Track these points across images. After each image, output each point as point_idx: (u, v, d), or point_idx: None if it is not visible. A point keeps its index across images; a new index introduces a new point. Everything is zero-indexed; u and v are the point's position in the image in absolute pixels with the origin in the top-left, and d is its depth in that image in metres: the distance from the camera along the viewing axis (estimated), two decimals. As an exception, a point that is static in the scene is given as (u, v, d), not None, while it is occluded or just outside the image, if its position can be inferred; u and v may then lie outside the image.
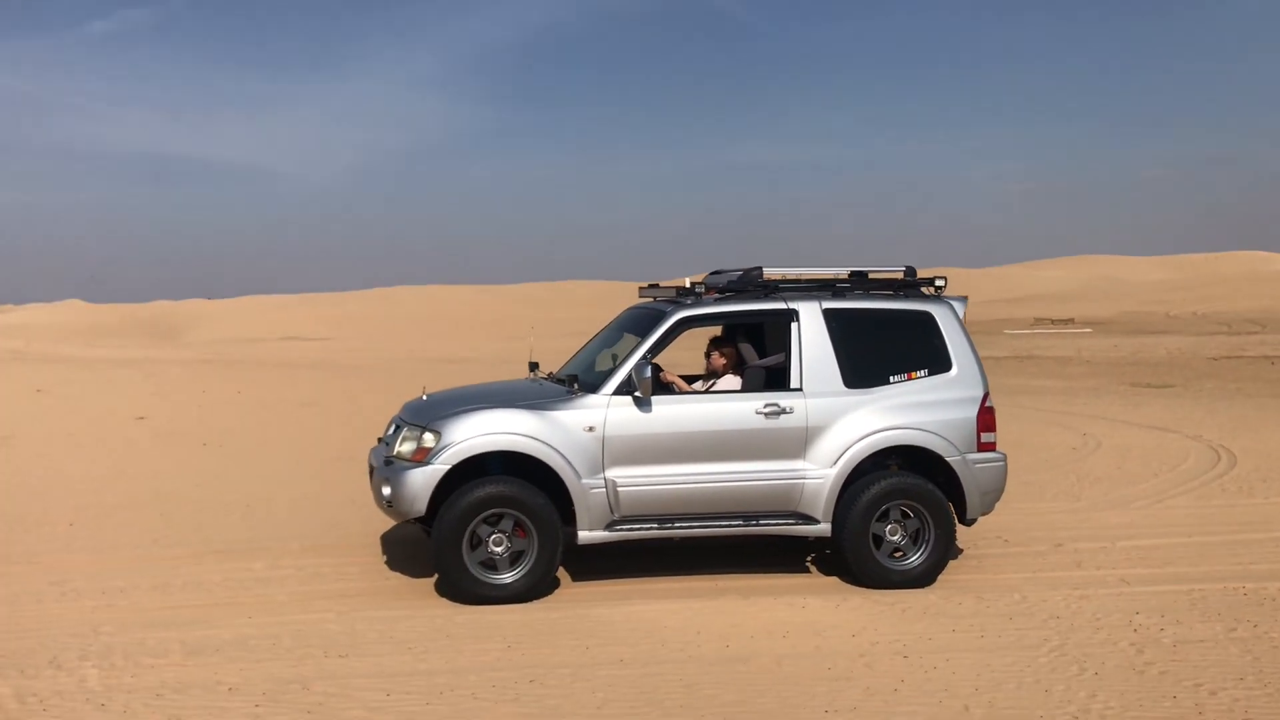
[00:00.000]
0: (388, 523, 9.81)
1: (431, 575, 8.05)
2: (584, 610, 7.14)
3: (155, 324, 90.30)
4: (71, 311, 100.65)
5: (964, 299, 8.62)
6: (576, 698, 5.55)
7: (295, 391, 22.78)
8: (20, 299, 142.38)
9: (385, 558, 8.65)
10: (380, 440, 8.59)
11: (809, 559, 8.65)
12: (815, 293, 8.23)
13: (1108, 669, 6.01)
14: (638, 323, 8.54)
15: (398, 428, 7.99)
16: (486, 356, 44.97)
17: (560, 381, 8.41)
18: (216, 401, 20.27)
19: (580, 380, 7.97)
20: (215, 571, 8.20)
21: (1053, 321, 57.07)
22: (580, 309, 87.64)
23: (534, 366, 9.24)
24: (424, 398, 8.43)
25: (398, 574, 8.16)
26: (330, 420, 17.97)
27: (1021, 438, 15.19)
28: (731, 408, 7.83)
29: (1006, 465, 8.24)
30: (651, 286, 9.17)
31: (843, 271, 8.52)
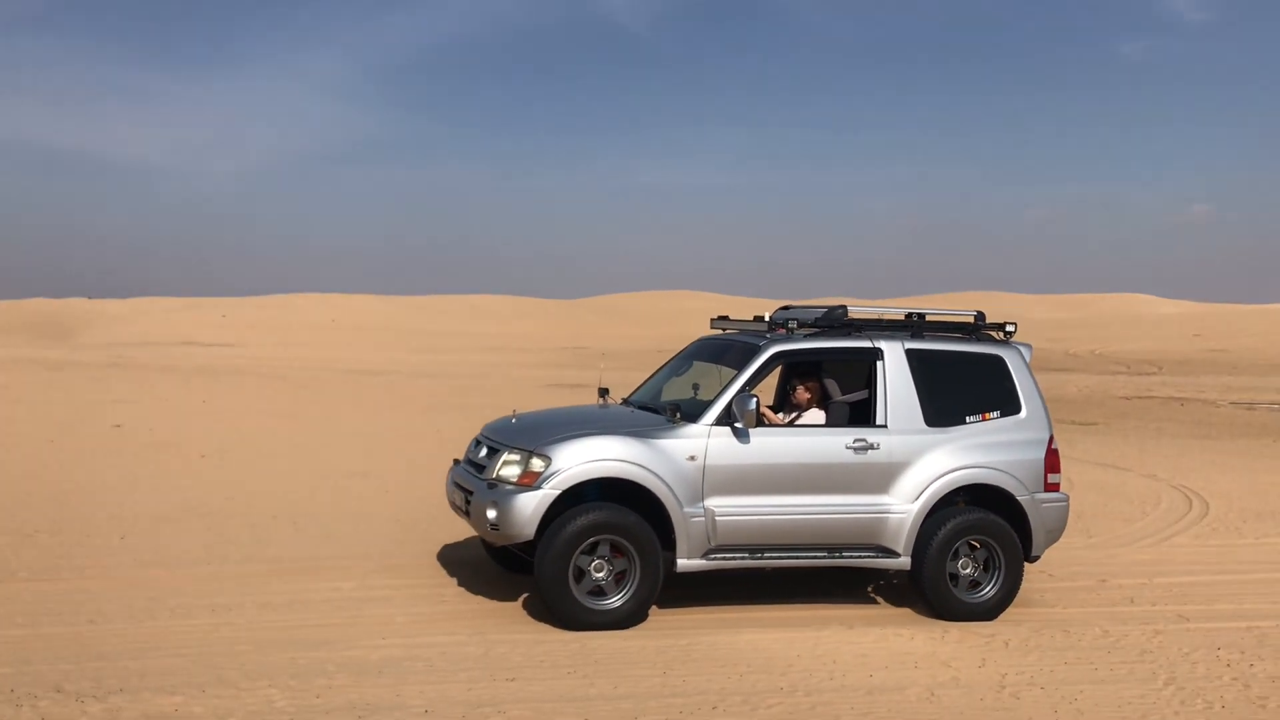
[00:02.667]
0: (444, 541, 9.89)
1: (517, 598, 8.17)
2: (705, 638, 7.34)
3: (42, 324, 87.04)
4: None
5: (1029, 345, 9.04)
6: None
7: (260, 403, 22.42)
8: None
9: (471, 579, 8.72)
10: (457, 461, 8.63)
11: (870, 589, 8.99)
12: (896, 332, 8.56)
13: (1230, 703, 6.45)
14: (719, 353, 8.81)
15: (492, 450, 8.03)
16: (410, 368, 44.53)
17: (646, 409, 8.59)
18: (185, 411, 19.85)
19: (681, 409, 8.08)
20: (309, 590, 8.20)
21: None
22: (493, 323, 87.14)
23: (604, 392, 9.36)
24: (513, 420, 8.51)
25: (492, 599, 8.24)
26: (313, 433, 17.77)
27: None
28: (823, 442, 8.09)
29: (1069, 505, 8.68)
30: (722, 319, 9.51)
31: (900, 313, 8.85)
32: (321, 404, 23.25)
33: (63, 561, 8.82)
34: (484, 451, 8.19)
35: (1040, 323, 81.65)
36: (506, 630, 7.37)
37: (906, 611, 8.37)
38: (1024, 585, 9.20)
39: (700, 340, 9.51)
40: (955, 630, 7.81)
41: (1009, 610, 8.32)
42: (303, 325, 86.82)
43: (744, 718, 5.87)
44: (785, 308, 9.17)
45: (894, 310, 9.01)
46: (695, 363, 9.11)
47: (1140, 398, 35.70)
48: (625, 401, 9.14)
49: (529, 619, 7.71)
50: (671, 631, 7.50)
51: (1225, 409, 31.17)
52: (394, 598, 8.08)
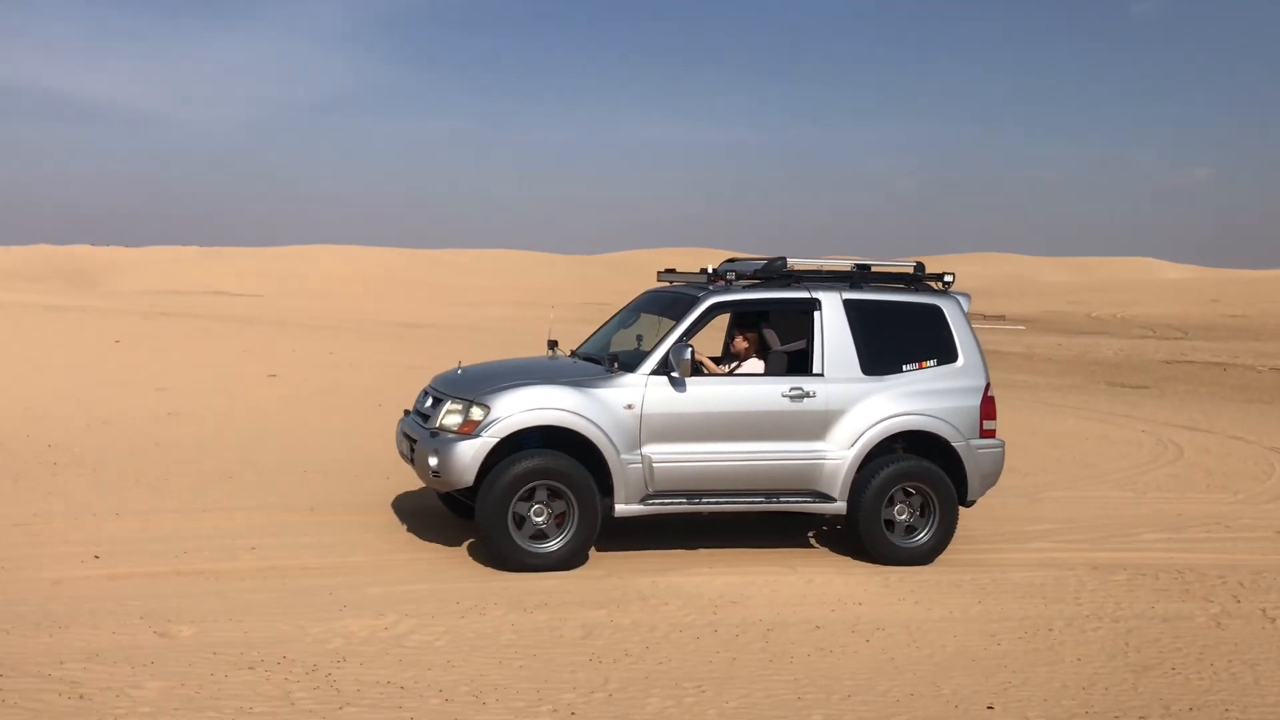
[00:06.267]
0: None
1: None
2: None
3: (71, 271, 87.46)
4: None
5: (968, 295, 9.28)
6: (833, 660, 6.33)
7: (370, 355, 23.30)
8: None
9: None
10: (408, 412, 8.98)
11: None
12: (834, 283, 8.78)
13: None
14: (660, 305, 9.04)
15: (437, 400, 8.34)
16: (453, 321, 45.44)
17: (590, 360, 8.88)
18: (317, 361, 20.76)
19: (620, 360, 8.33)
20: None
21: (985, 317, 59.83)
22: (510, 277, 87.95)
23: (553, 344, 9.60)
24: (459, 371, 8.82)
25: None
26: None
27: (1105, 432, 16.78)
28: (759, 390, 8.36)
29: (1004, 451, 8.97)
30: (669, 271, 9.76)
31: (847, 264, 9.03)
32: (425, 355, 24.13)
33: (368, 499, 9.83)
34: (429, 402, 8.51)
35: (1053, 285, 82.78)
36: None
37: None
38: (1234, 539, 9.95)
39: (648, 292, 9.70)
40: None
41: (1226, 558, 9.24)
42: (322, 276, 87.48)
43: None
44: (730, 260, 9.34)
45: (843, 264, 9.07)
46: (643, 315, 9.30)
47: (1180, 362, 36.71)
48: (573, 353, 9.36)
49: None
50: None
51: (1267, 375, 32.18)
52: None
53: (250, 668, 5.61)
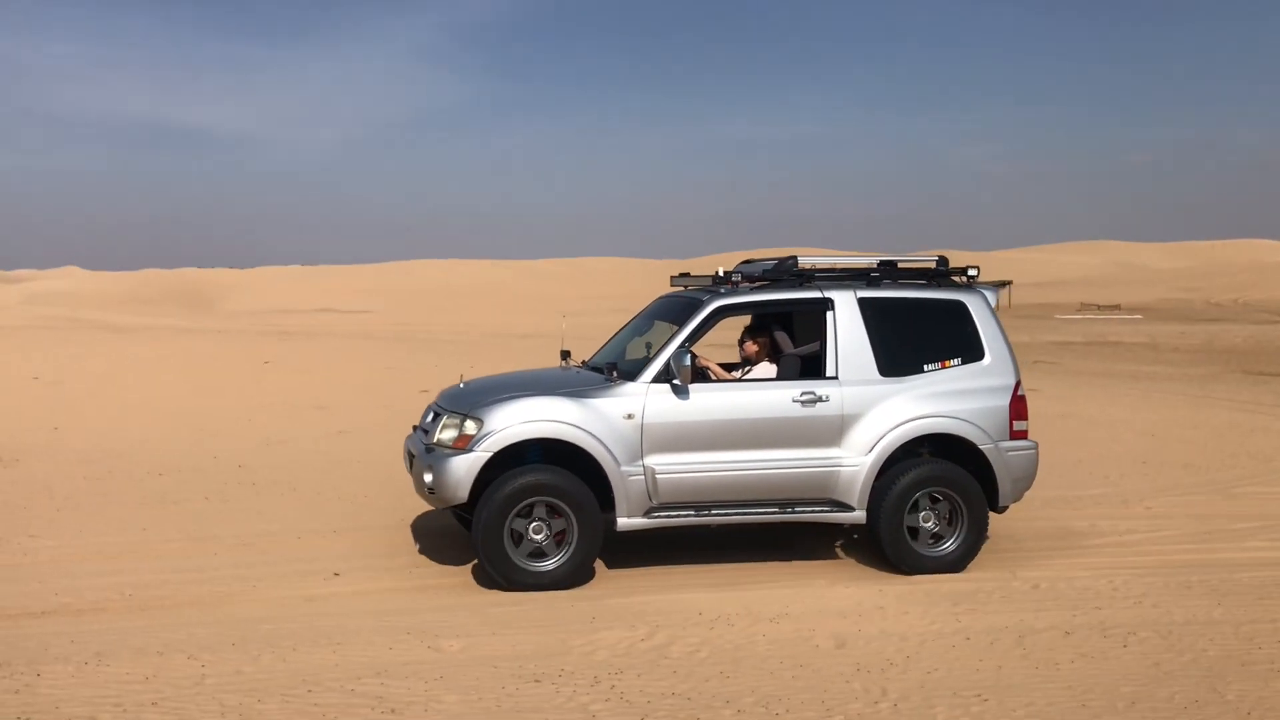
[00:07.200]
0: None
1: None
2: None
3: (184, 294, 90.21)
4: (88, 280, 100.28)
5: (994, 288, 8.85)
6: (1099, 666, 6.24)
7: (517, 367, 23.57)
8: (11, 265, 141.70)
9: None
10: (415, 428, 8.74)
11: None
12: (850, 282, 8.44)
13: None
14: (672, 311, 8.72)
15: (436, 415, 8.12)
16: (553, 332, 45.81)
17: (596, 370, 8.56)
18: (453, 376, 21.11)
19: (619, 368, 8.13)
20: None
21: (1099, 307, 58.61)
22: (609, 285, 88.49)
23: (565, 354, 9.35)
24: (461, 385, 8.54)
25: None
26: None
27: (1266, 424, 16.31)
28: (768, 395, 8.03)
29: (1038, 453, 8.49)
30: (683, 275, 9.22)
31: (872, 261, 8.65)
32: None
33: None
34: (430, 417, 8.34)
35: (1164, 272, 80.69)
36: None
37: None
38: None
39: (661, 298, 9.38)
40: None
41: None
42: (428, 291, 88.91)
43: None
44: (747, 261, 9.09)
45: (868, 261, 8.67)
46: (656, 321, 9.01)
47: (1317, 347, 35.54)
48: (583, 363, 9.13)
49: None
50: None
51: None
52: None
53: (536, 680, 5.75)
